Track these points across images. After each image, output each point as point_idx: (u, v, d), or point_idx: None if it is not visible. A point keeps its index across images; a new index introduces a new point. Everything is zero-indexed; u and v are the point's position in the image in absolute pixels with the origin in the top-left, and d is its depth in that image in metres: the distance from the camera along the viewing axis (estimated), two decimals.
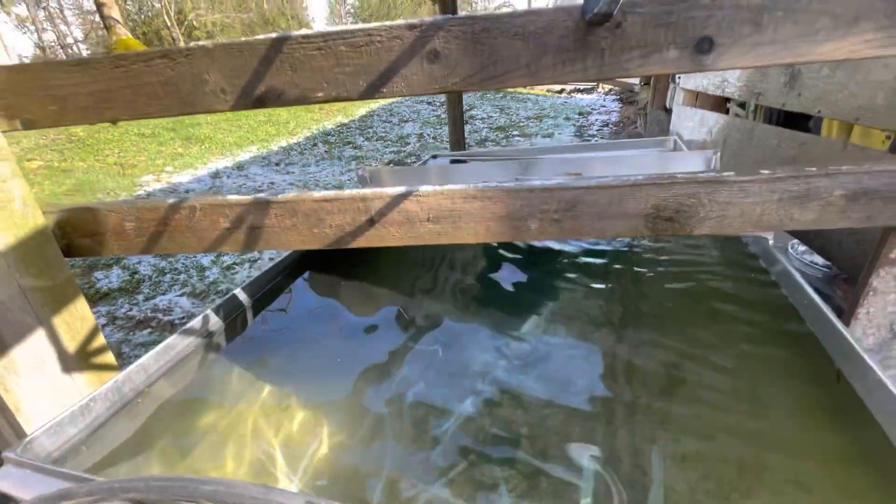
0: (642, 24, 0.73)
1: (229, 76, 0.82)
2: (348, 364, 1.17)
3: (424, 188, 0.91)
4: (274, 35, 0.79)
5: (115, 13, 9.66)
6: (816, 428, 0.84)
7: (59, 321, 1.02)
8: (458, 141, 2.80)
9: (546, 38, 0.75)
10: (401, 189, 0.91)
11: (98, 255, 1.03)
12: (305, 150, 6.27)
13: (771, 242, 1.21)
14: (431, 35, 0.77)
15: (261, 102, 0.84)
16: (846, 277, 1.53)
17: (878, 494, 0.70)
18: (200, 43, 0.80)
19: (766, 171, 0.85)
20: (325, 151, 6.21)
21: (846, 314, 1.07)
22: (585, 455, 0.89)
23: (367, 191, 0.92)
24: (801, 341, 1.01)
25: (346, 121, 7.81)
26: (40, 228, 0.97)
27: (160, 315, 2.86)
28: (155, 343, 2.55)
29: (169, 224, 0.97)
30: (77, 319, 1.06)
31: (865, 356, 0.79)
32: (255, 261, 3.50)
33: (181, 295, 3.08)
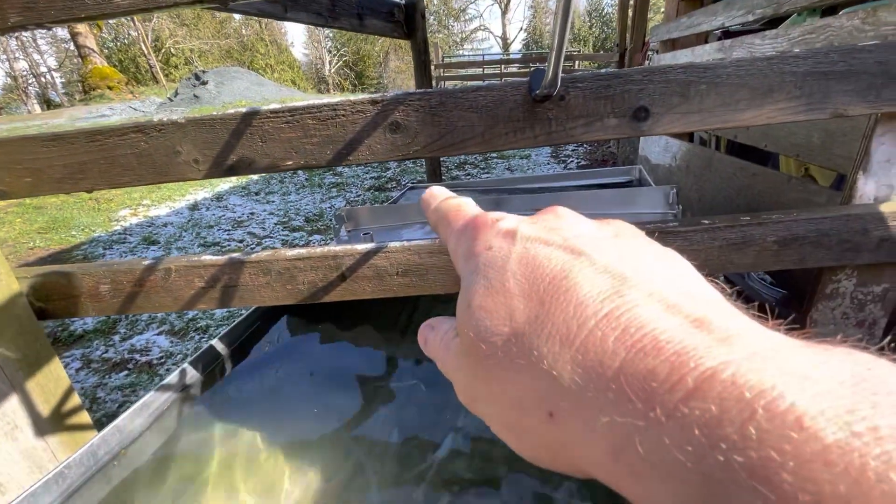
0: (584, 97, 0.81)
1: (201, 147, 0.87)
2: (328, 408, 1.19)
3: (393, 244, 0.95)
4: (243, 110, 0.84)
5: (90, 42, 9.64)
6: None
7: (32, 385, 1.02)
8: (434, 170, 2.88)
9: (497, 110, 0.82)
10: (370, 245, 0.96)
11: (73, 317, 1.04)
12: (285, 178, 6.29)
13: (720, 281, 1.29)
14: (392, 109, 0.83)
15: (232, 171, 0.88)
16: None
17: None
18: (173, 118, 0.85)
19: (706, 221, 0.93)
20: (306, 179, 6.24)
21: None
22: (564, 490, 0.93)
23: (339, 248, 0.96)
24: None
25: None
26: (14, 295, 0.98)
27: (137, 356, 2.81)
28: (131, 386, 2.51)
29: (144, 285, 1.00)
30: (51, 381, 1.06)
31: None
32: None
33: (159, 333, 3.04)
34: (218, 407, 1.19)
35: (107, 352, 2.83)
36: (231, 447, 1.08)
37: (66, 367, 2.67)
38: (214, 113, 0.84)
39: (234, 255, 0.99)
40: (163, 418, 1.09)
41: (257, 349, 1.40)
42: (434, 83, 5.94)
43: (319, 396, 1.23)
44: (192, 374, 1.19)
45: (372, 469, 1.01)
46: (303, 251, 0.97)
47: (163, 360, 2.73)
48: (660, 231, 0.92)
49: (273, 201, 5.40)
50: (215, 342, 1.28)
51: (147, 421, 1.06)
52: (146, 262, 1.00)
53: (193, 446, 1.08)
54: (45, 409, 1.05)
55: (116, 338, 2.97)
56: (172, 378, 1.14)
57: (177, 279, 0.99)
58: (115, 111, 11.40)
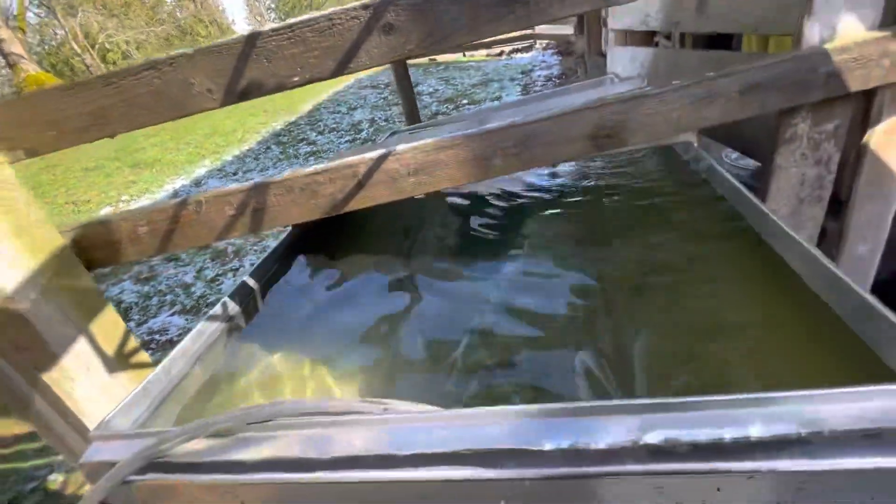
0: None
1: (213, 76, 0.93)
2: (353, 329, 1.30)
3: (401, 146, 1.05)
4: (247, 32, 0.90)
5: (16, 48, 8.95)
6: (755, 292, 1.05)
7: (95, 329, 1.12)
8: (411, 113, 2.91)
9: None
10: (381, 150, 1.05)
11: (117, 263, 1.13)
12: (259, 154, 6.20)
13: (695, 145, 1.42)
14: (383, 11, 0.90)
15: (245, 95, 0.95)
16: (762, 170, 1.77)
17: (800, 323, 0.91)
18: (182, 50, 0.91)
19: (676, 82, 1.03)
20: (280, 153, 6.16)
21: (761, 192, 1.29)
22: (578, 358, 1.02)
23: (354, 157, 1.05)
24: (735, 224, 1.22)
25: (293, 118, 7.70)
26: (62, 248, 1.06)
27: (157, 336, 2.91)
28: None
29: (179, 221, 1.08)
30: (110, 325, 1.16)
31: (780, 222, 0.99)
32: (237, 269, 3.56)
33: (172, 314, 3.13)
34: (256, 335, 1.31)
35: None
36: (273, 369, 1.20)
37: None
38: (220, 40, 0.90)
39: (258, 180, 1.07)
40: (215, 344, 1.21)
41: (281, 285, 1.51)
42: None
43: (342, 321, 1.35)
44: (232, 306, 1.30)
45: (403, 373, 1.13)
46: (320, 166, 1.06)
47: (181, 336, 2.84)
48: (635, 97, 1.02)
49: (252, 178, 5.36)
50: (246, 278, 1.38)
51: (202, 346, 1.17)
52: (177, 200, 1.08)
53: (243, 369, 1.20)
54: (110, 350, 1.15)
55: (132, 324, 3.05)
56: (217, 310, 1.24)
57: (208, 210, 1.08)
58: None
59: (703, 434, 0.57)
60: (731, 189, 1.23)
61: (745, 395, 0.58)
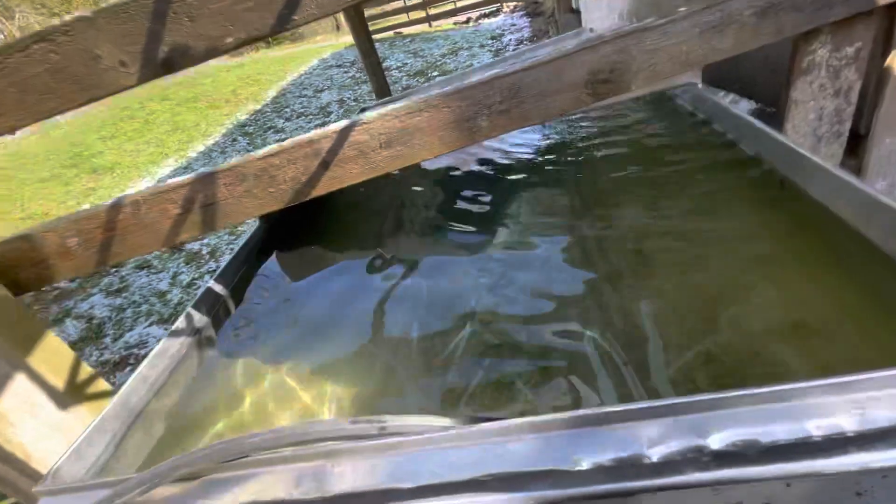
0: None
1: (123, 44, 0.75)
2: (339, 326, 1.18)
3: (368, 114, 0.89)
4: None
5: None
6: (769, 226, 0.94)
7: (35, 360, 0.96)
8: (380, 88, 2.71)
9: None
10: (344, 122, 0.89)
11: (49, 283, 0.96)
12: (226, 147, 5.89)
13: (700, 86, 1.28)
14: None
15: (168, 66, 0.77)
16: (771, 112, 1.64)
17: (821, 253, 0.81)
18: (78, 14, 0.72)
19: (683, 9, 0.88)
20: (248, 143, 5.85)
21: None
22: (585, 334, 0.94)
23: (312, 133, 0.89)
24: (744, 165, 1.09)
25: (258, 107, 7.33)
26: None
27: (135, 350, 2.74)
28: None
29: (116, 227, 0.91)
30: (52, 355, 1.00)
31: (806, 152, 0.87)
32: (214, 271, 3.36)
33: (149, 325, 2.95)
34: (231, 345, 1.16)
35: (102, 355, 2.74)
36: (256, 380, 1.06)
37: None
38: None
39: (203, 170, 0.91)
40: (183, 362, 1.06)
41: (255, 287, 1.36)
42: None
43: (330, 317, 1.22)
44: (199, 317, 1.15)
45: (402, 368, 1.02)
46: (274, 147, 0.90)
47: None
48: (636, 30, 0.87)
49: None
50: (211, 283, 1.22)
51: (168, 367, 1.02)
52: (108, 203, 0.91)
53: (220, 386, 1.06)
54: (58, 383, 1.00)
55: (107, 339, 2.86)
56: (180, 323, 1.09)
57: (149, 211, 0.91)
58: None
59: (783, 431, 0.45)
60: (746, 129, 1.10)
61: (826, 381, 0.46)
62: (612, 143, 1.57)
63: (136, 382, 0.95)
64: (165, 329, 2.87)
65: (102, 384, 1.11)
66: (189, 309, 1.15)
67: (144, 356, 1.03)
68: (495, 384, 0.94)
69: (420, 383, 0.98)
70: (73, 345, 2.87)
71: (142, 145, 6.56)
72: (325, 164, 0.91)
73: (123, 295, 3.25)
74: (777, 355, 0.76)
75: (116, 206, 0.89)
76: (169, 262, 3.53)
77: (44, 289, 3.48)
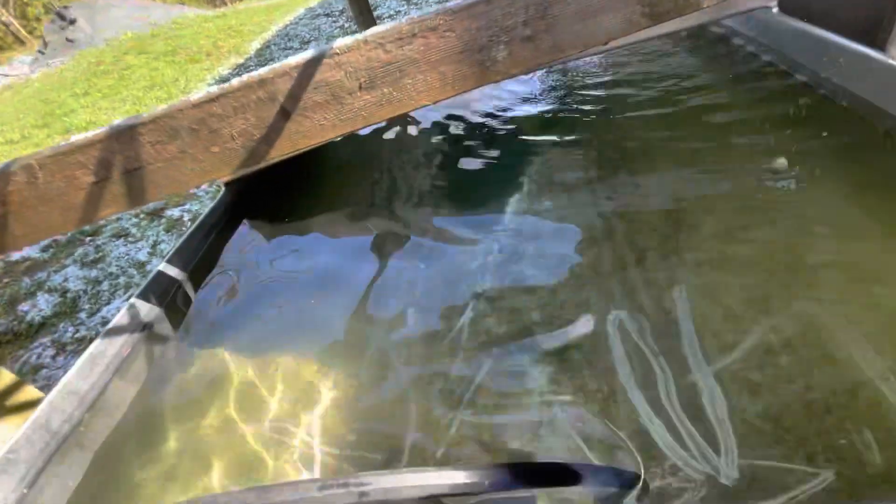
0: None
1: None
2: (326, 307, 0.98)
3: (340, 42, 0.64)
4: None
5: None
6: (862, 191, 0.72)
7: None
8: (362, 14, 2.38)
9: None
10: (308, 54, 0.64)
11: None
12: None
13: (775, 11, 1.01)
14: None
15: None
16: None
17: None
18: None
19: None
20: None
21: None
22: (608, 317, 0.79)
23: (263, 70, 0.64)
24: (826, 109, 0.86)
25: (241, 60, 6.82)
26: None
27: None
28: None
29: (7, 202, 0.68)
30: None
31: None
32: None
33: (127, 298, 2.74)
34: (194, 339, 0.96)
35: (78, 331, 2.56)
36: (226, 380, 0.87)
37: (38, 357, 2.42)
38: None
39: (116, 122, 0.66)
40: (127, 365, 0.86)
41: (222, 265, 1.14)
42: None
43: (310, 297, 1.02)
44: (147, 308, 0.94)
45: (398, 354, 0.84)
46: (214, 89, 0.65)
47: None
48: None
49: None
50: (163, 266, 1.00)
51: (106, 374, 0.83)
52: None
53: (178, 390, 0.87)
54: None
55: (83, 314, 2.67)
56: (121, 318, 0.88)
57: (50, 180, 0.67)
58: None
59: None
60: (839, 59, 0.85)
61: None
62: (642, 89, 1.32)
63: (59, 398, 0.75)
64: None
65: (31, 392, 0.91)
66: (132, 299, 0.94)
67: (75, 360, 0.83)
68: (506, 374, 0.77)
69: (418, 374, 0.80)
70: (46, 320, 2.69)
71: (117, 103, 6.12)
72: (284, 114, 0.67)
73: (99, 266, 3.03)
74: (864, 364, 0.57)
75: (3, 173, 0.66)
76: (148, 229, 3.30)
77: (13, 258, 3.26)
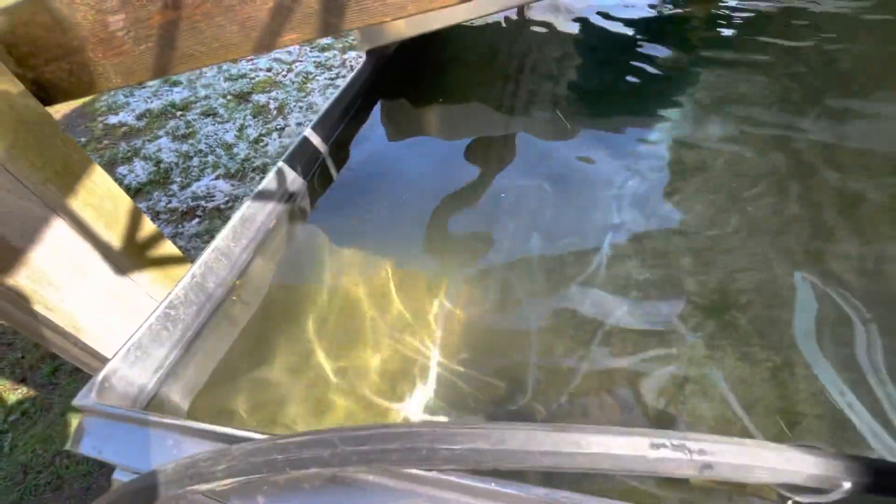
0: None
1: None
2: (443, 215, 0.84)
3: None
4: None
5: None
6: None
7: (78, 206, 0.67)
8: None
9: None
10: None
11: (90, 90, 0.63)
12: None
13: None
14: None
15: None
16: None
17: None
18: None
19: None
20: None
21: None
22: (793, 279, 0.63)
23: None
24: None
25: None
26: None
27: (202, 202, 2.58)
28: (208, 232, 2.33)
29: (183, 10, 0.53)
30: (104, 199, 0.71)
31: None
32: (282, 129, 3.06)
33: (216, 178, 2.75)
34: (329, 219, 0.85)
35: (170, 202, 2.61)
36: (359, 269, 0.77)
37: None
38: None
39: None
40: (271, 236, 0.76)
41: (358, 143, 1.00)
42: None
43: (437, 199, 0.87)
44: (293, 178, 0.82)
45: (521, 286, 0.72)
46: None
47: (229, 204, 2.49)
48: None
49: None
50: (308, 133, 0.87)
51: (254, 241, 0.73)
52: None
53: (316, 271, 0.77)
54: (112, 238, 0.72)
55: (175, 187, 2.71)
56: (269, 183, 0.77)
57: None
58: None
59: None
60: None
61: None
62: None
63: (213, 259, 0.66)
64: (232, 185, 2.67)
65: (169, 247, 0.84)
66: (281, 164, 0.82)
67: (229, 205, 0.73)
68: (642, 329, 0.64)
69: (543, 308, 0.68)
70: (141, 186, 2.76)
71: None
72: None
73: (190, 141, 3.04)
74: None
75: None
76: (235, 112, 3.24)
77: (111, 121, 3.33)
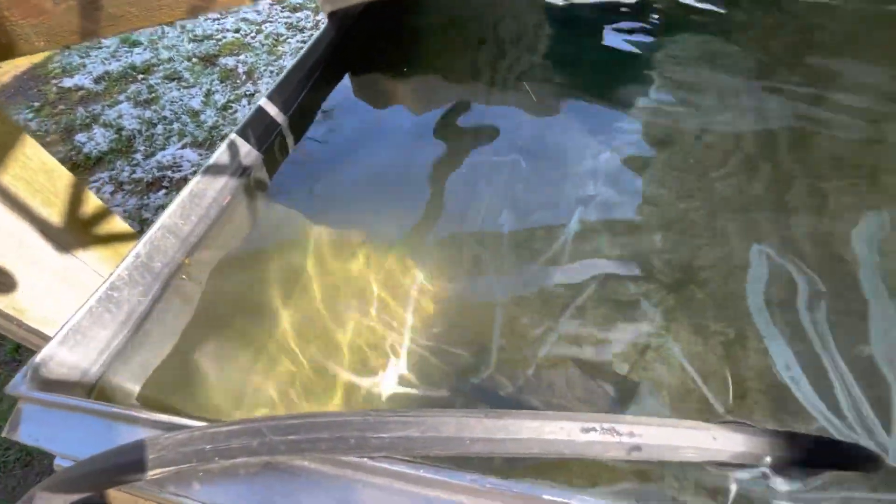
0: None
1: None
2: (418, 190, 0.82)
3: None
4: None
5: None
6: None
7: (8, 180, 0.63)
8: None
9: None
10: None
11: (11, 53, 0.57)
12: None
13: None
14: None
15: None
16: None
17: None
18: None
19: None
20: None
21: None
22: (755, 250, 0.65)
23: None
24: None
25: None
26: None
27: (168, 172, 2.47)
28: None
29: None
30: (37, 173, 0.67)
31: None
32: (251, 95, 2.92)
33: (183, 147, 2.64)
34: (290, 192, 0.82)
35: (134, 172, 2.49)
36: (323, 243, 0.75)
37: (97, 192, 2.39)
38: None
39: None
40: (227, 212, 0.73)
41: (321, 116, 0.96)
42: None
43: (406, 175, 0.85)
44: (246, 150, 0.78)
45: (491, 263, 0.72)
46: None
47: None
48: None
49: None
50: (263, 102, 0.82)
51: (206, 217, 0.70)
52: None
53: (275, 247, 0.75)
54: (51, 215, 0.68)
55: (138, 156, 2.59)
56: (221, 155, 0.73)
57: None
58: None
59: None
60: None
61: None
62: None
63: (160, 236, 0.63)
64: (200, 155, 2.57)
65: (118, 222, 0.80)
66: (233, 135, 0.77)
67: (173, 198, 0.69)
68: (612, 302, 0.65)
69: (511, 282, 0.69)
70: (103, 155, 2.62)
71: None
72: None
73: (153, 107, 2.88)
74: None
75: None
76: (202, 76, 3.07)
77: (66, 85, 3.12)
